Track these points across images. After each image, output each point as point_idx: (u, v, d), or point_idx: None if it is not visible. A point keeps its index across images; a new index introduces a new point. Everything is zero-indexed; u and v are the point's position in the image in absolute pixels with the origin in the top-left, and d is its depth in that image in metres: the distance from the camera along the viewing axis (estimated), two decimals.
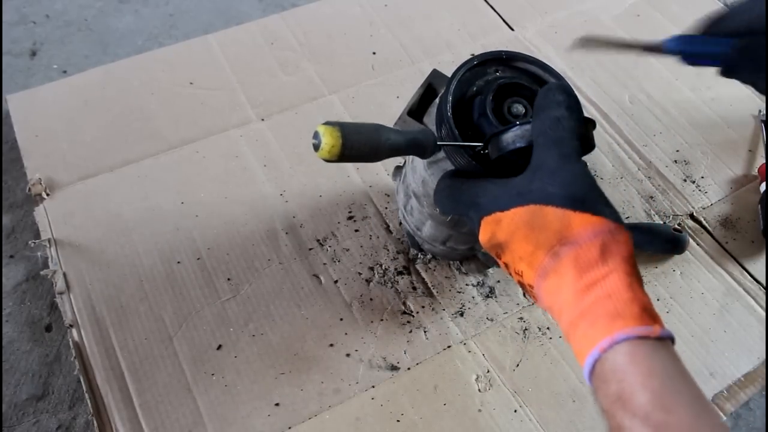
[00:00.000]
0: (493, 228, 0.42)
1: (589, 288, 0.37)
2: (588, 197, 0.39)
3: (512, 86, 0.48)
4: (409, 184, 0.63)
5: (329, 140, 0.43)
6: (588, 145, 0.43)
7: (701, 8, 1.07)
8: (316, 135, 0.44)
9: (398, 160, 0.71)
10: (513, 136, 0.43)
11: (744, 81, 0.41)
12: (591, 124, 0.44)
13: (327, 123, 0.44)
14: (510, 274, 0.43)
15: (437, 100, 0.59)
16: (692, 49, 0.46)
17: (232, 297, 0.71)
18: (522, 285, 0.42)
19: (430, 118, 0.59)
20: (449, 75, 0.51)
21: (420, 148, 0.48)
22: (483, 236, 0.43)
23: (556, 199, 0.38)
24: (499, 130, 0.45)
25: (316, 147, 0.44)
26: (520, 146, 0.43)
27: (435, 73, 0.60)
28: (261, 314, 0.70)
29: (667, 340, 0.36)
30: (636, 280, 0.38)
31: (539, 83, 0.50)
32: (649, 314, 0.36)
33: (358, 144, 0.44)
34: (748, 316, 0.73)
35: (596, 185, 0.40)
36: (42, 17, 1.11)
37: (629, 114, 0.91)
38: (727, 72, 0.44)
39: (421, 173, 0.59)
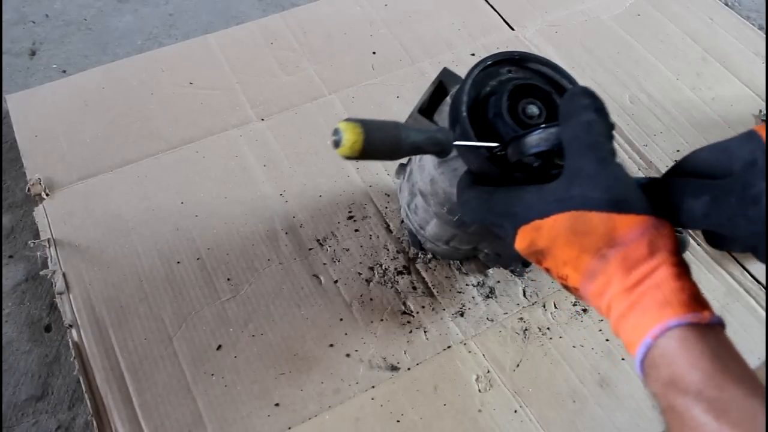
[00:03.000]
0: (532, 235, 0.42)
1: (638, 283, 0.37)
2: (630, 197, 0.39)
3: (526, 87, 0.48)
4: (415, 182, 0.63)
5: (351, 137, 0.42)
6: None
7: (701, 8, 1.07)
8: (336, 132, 0.43)
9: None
10: (537, 139, 0.43)
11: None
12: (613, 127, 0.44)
13: (348, 119, 0.43)
14: (553, 278, 0.44)
15: (449, 99, 0.59)
16: None
17: (232, 297, 0.71)
18: (567, 288, 0.43)
19: (441, 117, 0.59)
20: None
21: (439, 146, 0.48)
22: (521, 243, 0.43)
23: (601, 204, 0.39)
24: (521, 134, 0.44)
25: (337, 143, 0.43)
26: (544, 150, 0.43)
27: (445, 71, 0.60)
28: (261, 314, 0.70)
29: (717, 325, 0.37)
30: (683, 269, 0.38)
31: (552, 85, 0.50)
32: (698, 301, 0.37)
33: (378, 141, 0.43)
34: (749, 317, 0.73)
35: (634, 183, 0.40)
36: (41, 17, 1.11)
37: (630, 114, 0.91)
38: None
39: (430, 171, 0.59)
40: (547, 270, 0.43)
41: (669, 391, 0.35)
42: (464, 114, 0.47)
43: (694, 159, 0.42)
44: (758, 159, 0.37)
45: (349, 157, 0.43)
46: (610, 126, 0.42)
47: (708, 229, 0.40)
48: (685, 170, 0.43)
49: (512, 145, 0.45)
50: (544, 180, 0.43)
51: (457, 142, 0.47)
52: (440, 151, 0.48)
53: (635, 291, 0.37)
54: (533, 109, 0.47)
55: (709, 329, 0.36)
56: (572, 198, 0.39)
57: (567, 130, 0.41)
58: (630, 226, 0.38)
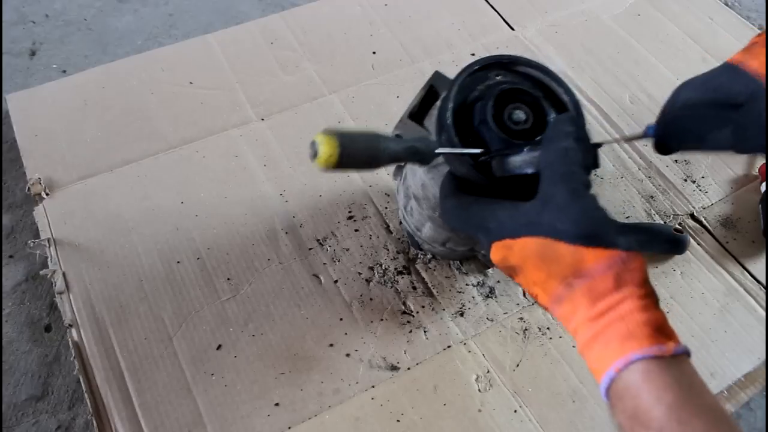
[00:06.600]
0: (504, 252, 0.43)
1: (602, 314, 0.38)
2: (599, 232, 0.39)
3: (513, 92, 0.47)
4: (409, 185, 0.63)
5: (326, 149, 0.43)
6: (594, 165, 0.43)
7: (701, 8, 1.07)
8: (313, 144, 0.43)
9: None
10: (521, 161, 0.43)
11: (674, 149, 0.48)
12: (597, 146, 0.44)
13: (325, 131, 0.43)
14: (527, 293, 0.45)
15: (438, 103, 0.58)
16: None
17: (232, 297, 0.71)
18: (538, 303, 0.44)
19: (432, 121, 0.59)
20: (450, 76, 0.50)
21: (419, 156, 0.48)
22: (494, 257, 0.44)
23: (568, 237, 0.39)
24: (506, 152, 0.44)
25: (313, 156, 0.43)
26: (527, 172, 0.43)
27: (437, 75, 0.60)
28: (261, 314, 0.70)
29: (682, 355, 0.37)
30: (650, 301, 0.39)
31: (541, 88, 0.50)
32: (662, 333, 0.37)
33: (355, 153, 0.44)
34: (749, 316, 0.73)
35: (606, 216, 0.40)
36: (41, 17, 1.11)
37: (630, 114, 0.91)
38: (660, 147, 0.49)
39: (421, 177, 0.59)
40: (521, 285, 0.44)
41: (634, 425, 0.36)
42: (449, 121, 0.46)
43: (686, 101, 0.45)
44: (757, 91, 0.40)
45: (326, 169, 0.44)
46: (589, 154, 0.42)
47: (726, 152, 0.44)
48: (682, 111, 0.45)
49: (496, 161, 0.45)
50: (532, 190, 0.43)
51: (439, 150, 0.47)
52: (421, 160, 0.48)
53: (600, 321, 0.38)
54: (520, 115, 0.47)
55: (673, 360, 0.37)
56: (542, 225, 0.40)
57: (544, 155, 0.42)
58: (597, 259, 0.39)
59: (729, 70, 0.41)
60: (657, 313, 0.38)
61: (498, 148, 0.46)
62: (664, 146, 0.47)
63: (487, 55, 0.50)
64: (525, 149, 0.43)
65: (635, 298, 0.38)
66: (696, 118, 0.43)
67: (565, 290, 0.40)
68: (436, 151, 0.47)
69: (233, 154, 0.83)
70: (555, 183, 0.40)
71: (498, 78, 0.50)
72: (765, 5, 1.17)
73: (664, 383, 0.35)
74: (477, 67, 0.49)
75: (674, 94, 0.47)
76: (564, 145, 0.41)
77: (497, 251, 0.43)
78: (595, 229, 0.39)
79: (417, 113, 0.60)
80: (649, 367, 0.36)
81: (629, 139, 0.52)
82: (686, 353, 0.38)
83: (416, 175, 0.60)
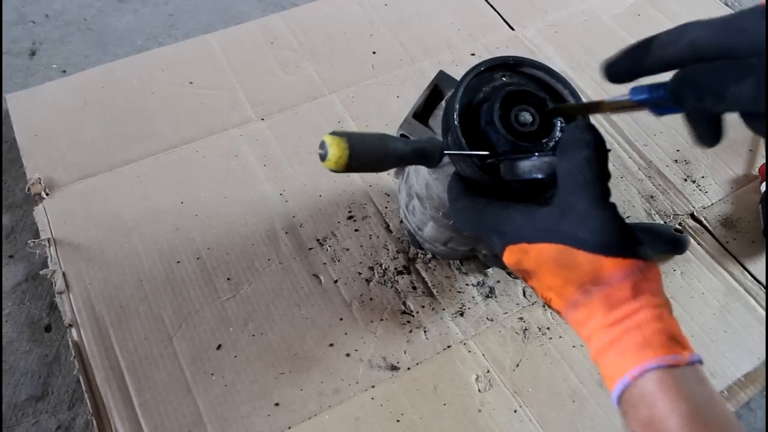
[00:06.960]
0: (519, 256, 0.42)
1: (619, 321, 0.39)
2: (619, 241, 0.39)
3: (520, 93, 0.47)
4: (412, 184, 0.63)
5: (336, 151, 0.43)
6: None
7: (701, 8, 1.07)
8: (322, 145, 0.43)
9: None
10: (530, 166, 0.43)
11: (689, 110, 0.39)
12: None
13: (333, 133, 0.43)
14: (538, 296, 0.45)
15: (443, 104, 0.58)
16: (654, 97, 0.40)
17: (232, 297, 0.71)
18: (550, 307, 0.44)
19: (436, 121, 0.59)
20: (453, 76, 0.50)
21: (427, 157, 0.48)
22: (508, 260, 0.44)
23: (588, 246, 0.39)
24: (515, 156, 0.44)
25: (323, 157, 0.43)
26: (537, 177, 0.43)
27: (441, 75, 0.60)
28: (261, 314, 0.70)
29: (695, 364, 0.38)
30: (665, 310, 0.39)
31: (546, 90, 0.50)
32: (677, 342, 0.38)
33: (364, 154, 0.44)
34: (749, 316, 0.73)
35: (625, 225, 0.40)
36: (41, 17, 1.11)
37: (630, 114, 0.91)
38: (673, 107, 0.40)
39: (425, 176, 0.59)
40: (533, 288, 0.44)
41: None
42: (456, 122, 0.46)
43: (694, 40, 0.36)
44: None
45: (335, 171, 0.44)
46: (606, 163, 0.41)
47: (756, 111, 0.36)
48: (691, 55, 0.37)
49: (505, 164, 0.45)
50: (539, 194, 0.42)
51: (447, 151, 0.47)
52: (428, 161, 0.48)
53: (616, 328, 0.38)
54: (526, 116, 0.47)
55: (687, 369, 0.37)
56: (561, 232, 0.40)
57: (563, 164, 0.41)
58: (615, 268, 0.39)
59: (758, 12, 0.35)
60: (671, 322, 0.39)
61: (504, 149, 0.46)
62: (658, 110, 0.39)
63: (487, 55, 0.50)
64: (536, 155, 0.43)
65: (651, 307, 0.38)
66: (710, 70, 0.36)
67: (581, 296, 0.40)
68: (445, 152, 0.47)
69: (233, 154, 0.83)
70: (575, 192, 0.40)
71: (504, 79, 0.50)
72: (765, 5, 1.17)
73: (679, 393, 0.36)
74: (483, 68, 0.49)
75: (675, 31, 0.37)
76: (583, 154, 0.40)
77: (512, 254, 0.43)
78: (615, 239, 0.39)
79: (421, 113, 0.60)
80: (664, 376, 0.36)
81: (614, 108, 0.43)
82: (700, 362, 0.38)
83: (420, 174, 0.60)
